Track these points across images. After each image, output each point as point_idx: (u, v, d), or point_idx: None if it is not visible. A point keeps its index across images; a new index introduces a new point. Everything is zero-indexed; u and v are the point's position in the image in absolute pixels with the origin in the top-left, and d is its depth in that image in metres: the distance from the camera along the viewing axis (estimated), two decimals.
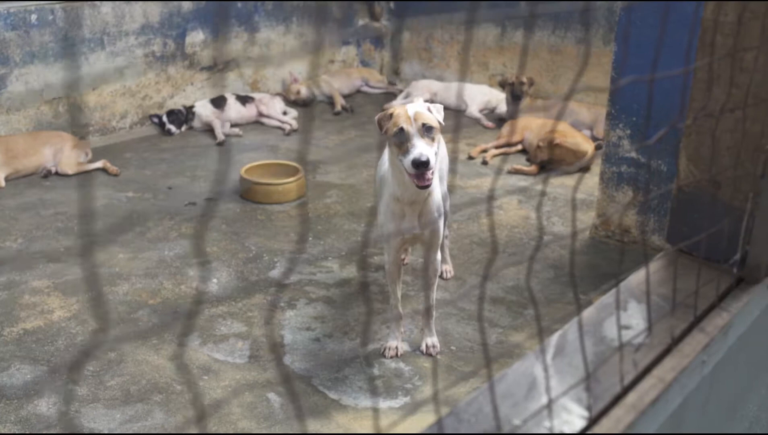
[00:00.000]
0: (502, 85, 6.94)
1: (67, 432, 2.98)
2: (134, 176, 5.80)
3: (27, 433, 3.00)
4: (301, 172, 5.43)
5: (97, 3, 6.25)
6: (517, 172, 5.90)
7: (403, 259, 4.19)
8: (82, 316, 3.83)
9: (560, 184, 5.60)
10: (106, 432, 3.02)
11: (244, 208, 5.21)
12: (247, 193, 5.32)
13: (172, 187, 5.58)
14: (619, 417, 1.06)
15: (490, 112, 7.40)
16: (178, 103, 7.02)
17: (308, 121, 7.28)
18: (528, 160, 6.10)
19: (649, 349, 1.20)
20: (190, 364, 3.46)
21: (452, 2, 7.74)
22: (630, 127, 4.42)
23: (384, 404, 3.22)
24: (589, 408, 1.06)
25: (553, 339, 1.23)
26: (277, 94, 7.64)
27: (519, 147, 6.35)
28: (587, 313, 1.31)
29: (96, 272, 4.29)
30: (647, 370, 1.17)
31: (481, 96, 7.49)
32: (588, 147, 5.86)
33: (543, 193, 5.54)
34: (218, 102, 6.92)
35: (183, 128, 6.81)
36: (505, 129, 6.50)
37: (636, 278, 1.42)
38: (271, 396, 3.24)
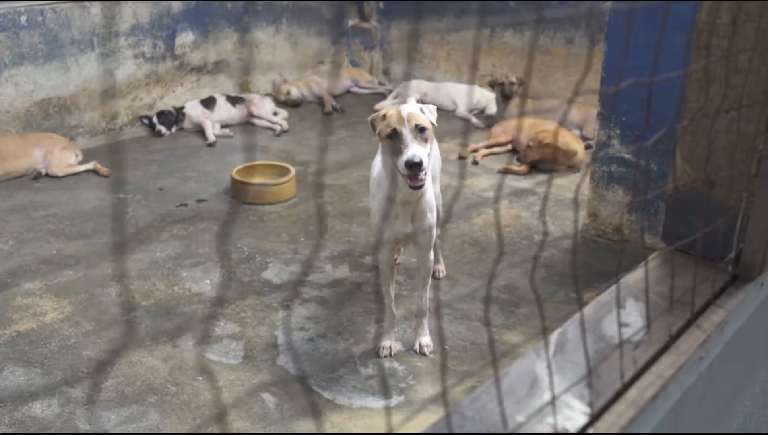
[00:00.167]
0: (492, 85, 6.97)
1: (63, 433, 2.99)
2: (125, 177, 5.79)
3: (23, 433, 3.00)
4: (293, 172, 5.44)
5: (87, 4, 6.23)
6: (507, 171, 5.93)
7: (396, 259, 4.21)
8: (75, 317, 3.83)
9: (551, 184, 5.62)
10: (102, 433, 3.02)
11: (236, 209, 5.22)
12: (239, 193, 5.32)
13: (163, 188, 5.58)
14: (620, 413, 1.08)
15: (480, 112, 7.43)
16: (168, 104, 7.01)
17: (298, 122, 7.28)
18: (518, 159, 6.13)
19: (648, 346, 1.22)
20: (183, 365, 3.46)
21: (442, 3, 7.78)
22: (620, 127, 4.46)
23: (379, 404, 3.24)
24: (590, 404, 1.07)
25: (553, 337, 1.25)
26: (267, 94, 7.64)
27: (509, 147, 6.38)
28: (586, 311, 1.33)
29: (88, 274, 4.28)
30: (646, 366, 1.19)
31: (471, 96, 7.52)
32: (578, 146, 5.89)
33: (533, 192, 5.56)
34: (208, 103, 6.92)
35: (173, 129, 6.80)
36: (496, 129, 6.52)
37: (633, 277, 1.44)
38: (266, 396, 3.25)
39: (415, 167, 2.99)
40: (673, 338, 1.25)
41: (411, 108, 3.16)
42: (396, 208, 3.27)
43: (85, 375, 3.37)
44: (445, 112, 7.15)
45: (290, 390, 3.30)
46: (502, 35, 7.65)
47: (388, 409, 3.19)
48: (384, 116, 3.14)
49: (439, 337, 3.70)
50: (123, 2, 6.46)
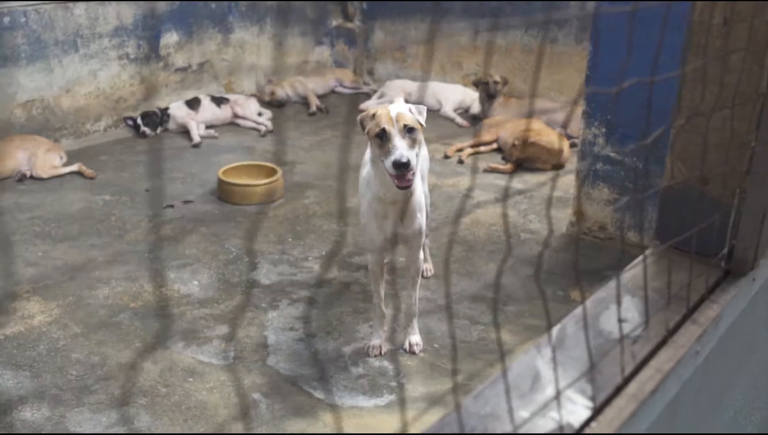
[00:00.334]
0: (477, 84, 7.00)
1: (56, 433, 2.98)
2: (111, 179, 5.77)
3: (17, 433, 2.99)
4: (279, 172, 5.44)
5: (70, 5, 6.20)
6: (492, 170, 5.96)
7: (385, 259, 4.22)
8: (63, 320, 3.81)
9: (536, 182, 5.66)
10: (95, 433, 3.01)
11: (223, 209, 5.21)
12: (225, 194, 5.32)
13: (149, 190, 5.56)
14: (622, 407, 1.10)
15: (464, 111, 7.47)
16: (152, 105, 6.98)
17: (283, 122, 7.28)
18: (503, 158, 6.17)
19: (646, 341, 1.24)
20: (173, 366, 3.46)
21: (425, 2, 7.80)
22: (605, 125, 4.49)
23: (369, 402, 3.25)
24: (593, 399, 1.09)
25: (553, 333, 1.27)
26: (252, 95, 7.64)
27: (494, 145, 6.40)
28: (583, 308, 1.35)
29: (75, 276, 4.26)
30: (645, 361, 1.21)
31: (455, 95, 7.55)
32: (563, 145, 5.93)
33: (519, 192, 5.60)
34: (193, 103, 6.90)
35: (158, 130, 6.78)
36: (482, 128, 6.55)
37: (628, 274, 1.46)
38: (257, 397, 3.25)
39: (402, 167, 3.00)
40: (671, 333, 1.27)
41: (400, 108, 3.18)
42: (385, 208, 3.28)
43: (75, 378, 3.35)
44: (429, 112, 7.15)
45: (281, 390, 3.31)
46: (486, 35, 7.68)
47: (379, 408, 3.20)
48: (373, 116, 3.15)
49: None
50: (107, 3, 6.43)
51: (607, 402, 1.11)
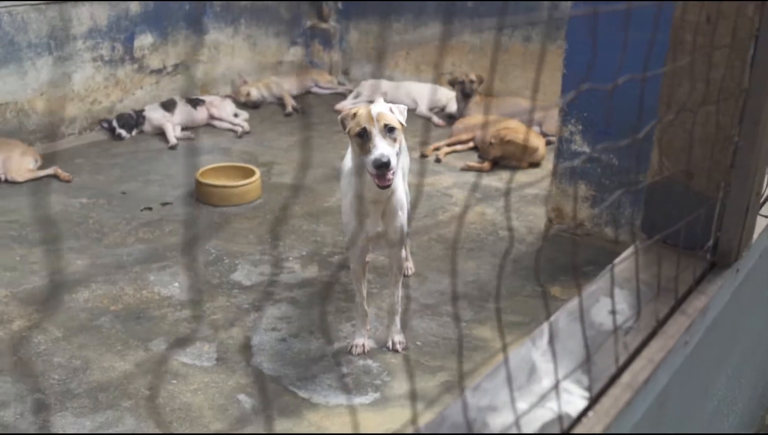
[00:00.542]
0: (452, 83, 7.04)
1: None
2: (87, 182, 5.72)
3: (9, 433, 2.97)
4: (258, 174, 5.43)
5: (43, 6, 6.14)
6: (470, 169, 5.99)
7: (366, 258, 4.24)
8: (44, 324, 3.78)
9: (514, 180, 5.70)
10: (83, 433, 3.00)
11: (201, 211, 5.20)
12: (204, 196, 5.30)
13: (126, 193, 5.53)
14: (617, 396, 1.12)
15: (440, 110, 7.50)
16: (127, 107, 6.94)
17: (259, 123, 7.26)
18: (480, 156, 6.21)
19: (638, 332, 1.27)
20: (157, 369, 3.45)
21: (400, 2, 7.82)
22: (582, 123, 4.54)
23: (354, 401, 3.26)
24: (589, 389, 1.12)
25: (546, 326, 1.29)
26: (227, 96, 7.61)
27: (471, 144, 6.44)
28: (574, 301, 1.37)
29: (54, 280, 4.23)
30: (637, 351, 1.24)
31: (431, 94, 7.58)
32: (539, 142, 5.98)
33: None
34: (168, 105, 6.86)
35: (134, 132, 6.74)
36: (457, 127, 6.59)
37: (617, 267, 1.49)
38: (242, 397, 3.25)
39: (383, 167, 3.02)
40: (660, 323, 1.30)
41: (381, 107, 3.19)
42: (366, 207, 3.29)
43: (57, 382, 3.33)
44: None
45: (266, 390, 3.31)
46: (461, 34, 7.72)
47: (364, 406, 3.22)
48: (354, 115, 3.17)
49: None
50: (80, 4, 6.38)
51: (603, 392, 1.14)
